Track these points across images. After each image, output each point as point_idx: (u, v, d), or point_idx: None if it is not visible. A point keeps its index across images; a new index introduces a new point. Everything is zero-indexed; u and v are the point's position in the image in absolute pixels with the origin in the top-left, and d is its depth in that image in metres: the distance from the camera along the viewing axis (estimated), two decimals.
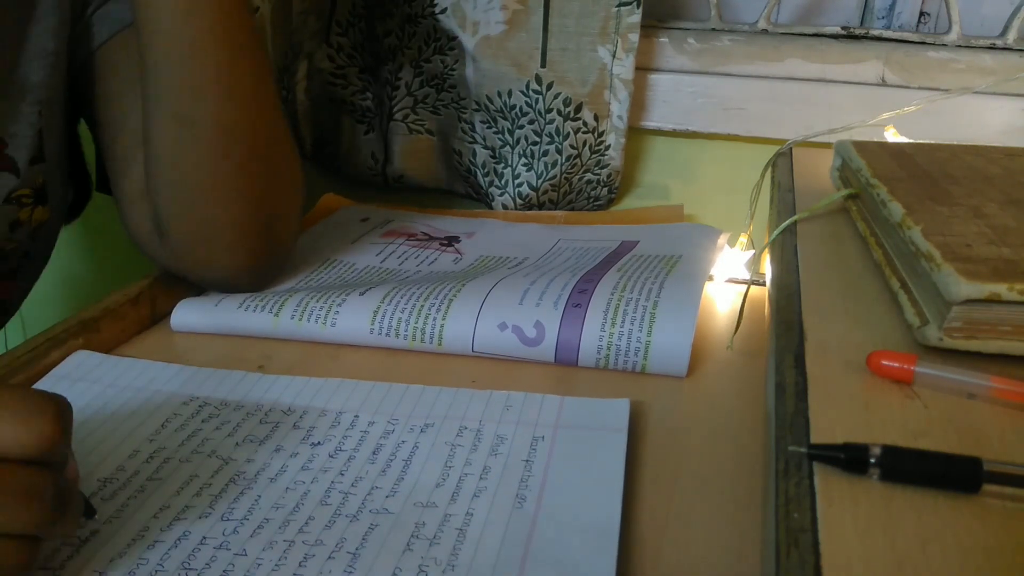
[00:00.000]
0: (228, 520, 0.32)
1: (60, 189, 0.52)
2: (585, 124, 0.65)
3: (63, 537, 0.27)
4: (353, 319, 0.46)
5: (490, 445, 0.36)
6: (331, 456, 0.36)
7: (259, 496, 0.33)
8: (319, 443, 0.37)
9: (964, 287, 0.29)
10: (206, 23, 0.43)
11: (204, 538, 0.31)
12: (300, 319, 0.46)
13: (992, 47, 0.61)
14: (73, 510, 0.27)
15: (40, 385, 0.40)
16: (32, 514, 0.25)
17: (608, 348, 0.43)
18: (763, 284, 0.48)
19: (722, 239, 0.55)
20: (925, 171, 0.42)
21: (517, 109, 0.65)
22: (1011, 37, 0.61)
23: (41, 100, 0.47)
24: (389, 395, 0.40)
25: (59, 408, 0.27)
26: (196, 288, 0.52)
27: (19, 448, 0.25)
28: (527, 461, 0.35)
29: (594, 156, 0.66)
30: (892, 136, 0.60)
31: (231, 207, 0.47)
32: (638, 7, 0.61)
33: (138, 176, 0.48)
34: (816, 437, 0.26)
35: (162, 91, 0.44)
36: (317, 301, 0.47)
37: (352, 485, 0.34)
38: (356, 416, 0.38)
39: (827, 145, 0.54)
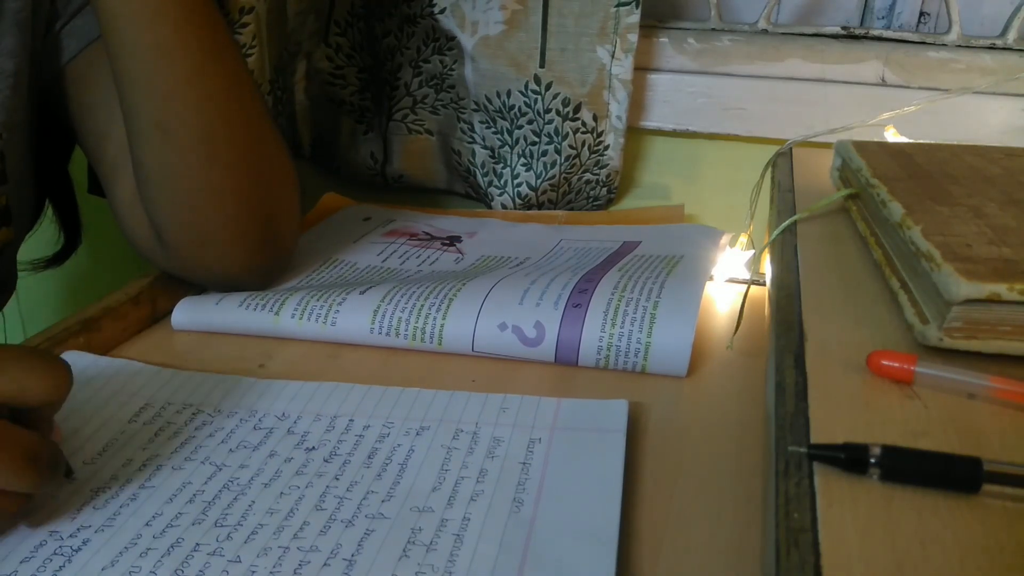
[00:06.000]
0: (222, 526, 0.31)
1: (26, 209, 0.51)
2: (584, 124, 0.65)
3: (49, 494, 0.32)
4: (353, 318, 0.46)
5: (487, 448, 0.36)
6: (326, 461, 0.35)
7: (253, 502, 0.33)
8: (314, 448, 0.36)
9: (964, 287, 0.29)
10: (171, 29, 0.43)
11: (197, 545, 0.30)
12: (301, 318, 0.46)
13: (992, 47, 0.61)
14: (60, 471, 0.31)
15: None
16: (31, 476, 0.29)
17: (608, 348, 0.43)
18: (763, 284, 0.48)
19: (724, 239, 0.55)
20: (925, 171, 0.42)
21: (516, 109, 0.65)
22: (1011, 37, 0.61)
23: (1, 122, 0.46)
24: (384, 398, 0.40)
25: (67, 366, 0.30)
26: (196, 287, 0.52)
27: (38, 397, 0.30)
28: (524, 464, 0.35)
29: (593, 156, 0.66)
30: (892, 136, 0.60)
31: (225, 210, 0.47)
32: (637, 7, 0.61)
33: (129, 183, 0.48)
34: (816, 437, 0.26)
35: (137, 100, 0.44)
36: (318, 300, 0.47)
37: (347, 490, 0.33)
38: (351, 420, 0.38)
39: (827, 145, 0.54)
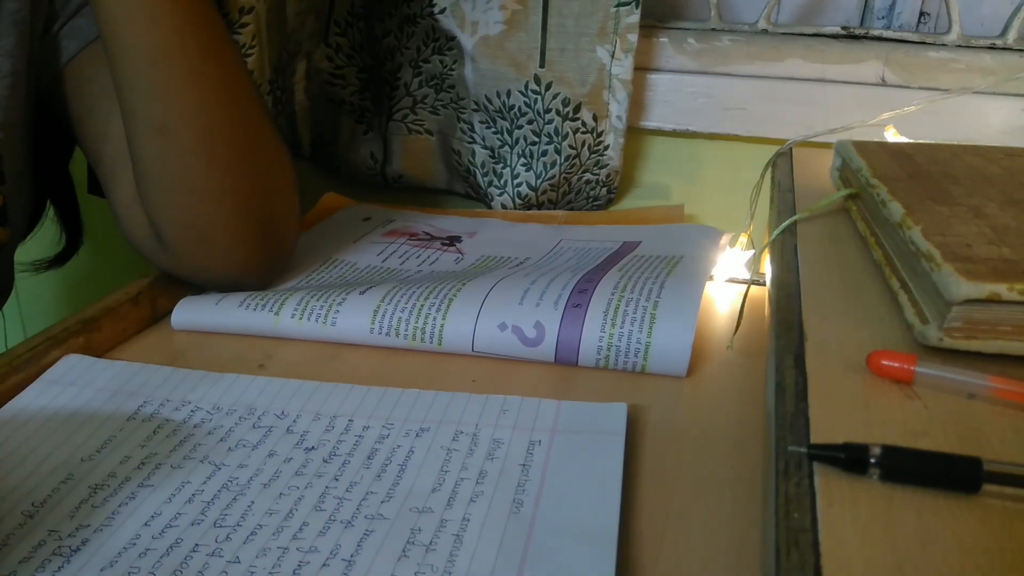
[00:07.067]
0: (221, 527, 0.31)
1: (22, 209, 0.51)
2: (584, 124, 0.65)
3: None
4: (353, 318, 0.46)
5: (487, 449, 0.36)
6: (325, 461, 0.35)
7: (252, 502, 0.33)
8: (313, 448, 0.36)
9: (964, 287, 0.29)
10: (170, 30, 0.43)
11: (196, 545, 0.30)
12: (300, 318, 0.46)
13: (992, 47, 0.61)
14: None
15: (31, 390, 0.40)
16: None
17: (608, 348, 0.43)
18: (763, 284, 0.48)
19: (724, 239, 0.55)
20: (925, 171, 0.42)
21: (516, 109, 0.65)
22: (1011, 37, 0.61)
23: None
24: (384, 399, 0.40)
25: None
26: (196, 287, 0.52)
27: None
28: (524, 465, 0.34)
29: (593, 156, 0.66)
30: (892, 136, 0.60)
31: (224, 210, 0.47)
32: (637, 7, 0.61)
33: (129, 183, 0.48)
34: (816, 437, 0.26)
35: (136, 101, 0.44)
36: (317, 300, 0.47)
37: (347, 490, 0.33)
38: (351, 420, 0.38)
39: (827, 145, 0.54)
